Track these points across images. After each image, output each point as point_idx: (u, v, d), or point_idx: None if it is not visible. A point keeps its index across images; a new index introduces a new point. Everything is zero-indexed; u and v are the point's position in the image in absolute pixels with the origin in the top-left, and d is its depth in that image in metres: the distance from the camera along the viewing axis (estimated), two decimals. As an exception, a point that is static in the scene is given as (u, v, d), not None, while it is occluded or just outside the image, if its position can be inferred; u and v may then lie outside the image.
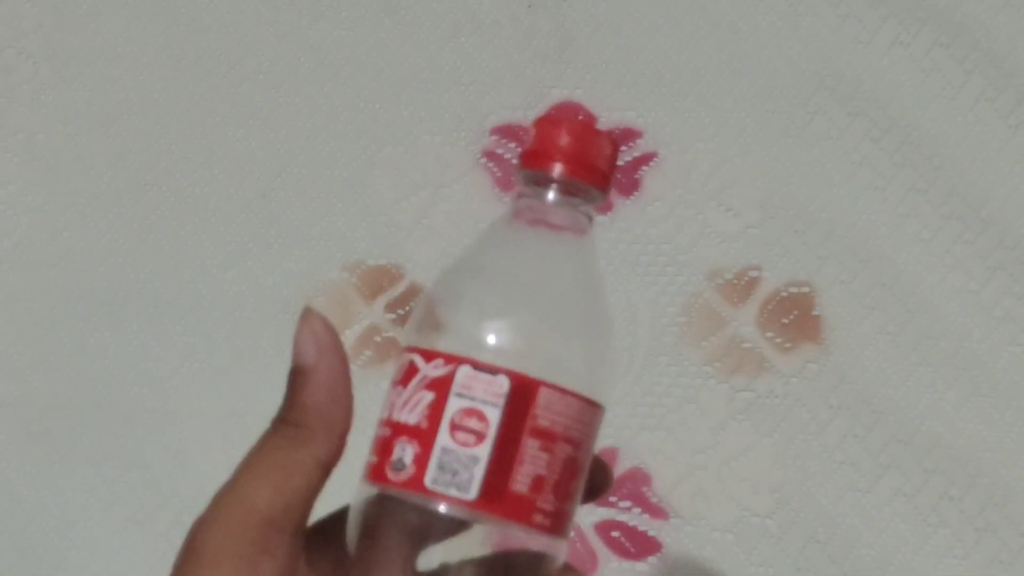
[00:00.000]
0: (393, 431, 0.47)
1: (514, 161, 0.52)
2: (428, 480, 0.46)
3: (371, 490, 0.48)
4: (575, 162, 0.50)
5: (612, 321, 0.51)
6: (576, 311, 0.50)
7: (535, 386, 0.47)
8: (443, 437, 0.47)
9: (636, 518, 0.78)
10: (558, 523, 0.48)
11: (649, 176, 0.84)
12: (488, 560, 0.48)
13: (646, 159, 0.85)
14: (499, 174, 0.83)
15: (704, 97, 0.86)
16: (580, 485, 0.49)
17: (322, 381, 0.47)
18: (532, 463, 0.47)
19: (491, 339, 0.48)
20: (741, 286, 0.82)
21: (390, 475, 0.47)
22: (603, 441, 0.79)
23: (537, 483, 0.47)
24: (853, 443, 0.79)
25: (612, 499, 0.78)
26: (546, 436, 0.47)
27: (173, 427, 0.81)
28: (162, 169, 0.86)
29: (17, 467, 0.80)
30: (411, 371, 0.48)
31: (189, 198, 0.85)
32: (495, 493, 0.46)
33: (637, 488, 0.78)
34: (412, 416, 0.47)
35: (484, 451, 0.46)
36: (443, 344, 0.48)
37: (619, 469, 0.79)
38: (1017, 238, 0.82)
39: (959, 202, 0.83)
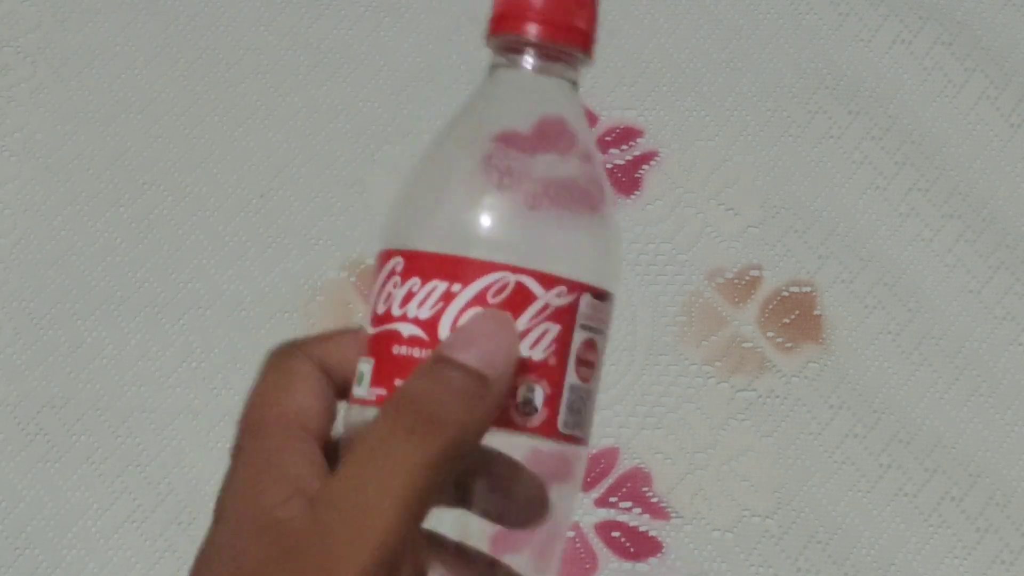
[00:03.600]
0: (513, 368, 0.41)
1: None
2: (561, 423, 0.42)
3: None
4: (552, 22, 0.43)
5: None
6: (608, 208, 0.45)
7: (611, 308, 0.43)
8: (571, 374, 0.42)
9: (636, 518, 0.78)
10: None
11: (649, 175, 0.84)
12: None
13: (646, 158, 0.85)
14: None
15: (705, 96, 0.86)
16: None
17: (494, 404, 0.40)
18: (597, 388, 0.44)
19: (601, 263, 0.43)
20: (742, 285, 0.82)
21: (517, 419, 0.42)
22: (603, 440, 0.79)
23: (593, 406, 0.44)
24: (854, 443, 0.78)
25: (612, 499, 0.78)
26: (601, 355, 0.44)
27: (171, 427, 0.81)
28: (160, 168, 0.86)
29: (14, 466, 0.80)
30: (523, 296, 0.41)
31: (187, 197, 0.85)
32: (590, 426, 0.43)
33: (637, 488, 0.78)
34: (537, 352, 0.41)
35: (595, 384, 0.43)
36: (561, 269, 0.42)
37: (619, 469, 0.79)
38: (1018, 237, 0.82)
39: (960, 201, 0.83)
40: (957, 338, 0.80)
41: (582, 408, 0.42)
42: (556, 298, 0.41)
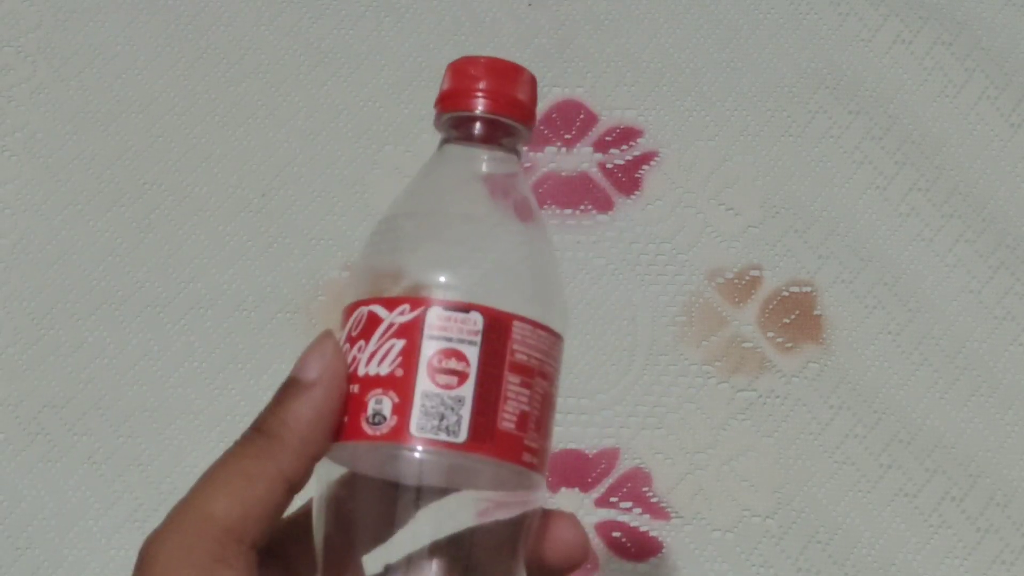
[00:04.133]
0: (363, 386, 0.46)
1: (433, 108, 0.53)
2: (414, 428, 0.45)
3: (339, 470, 0.47)
4: (495, 98, 0.50)
5: (555, 251, 0.51)
6: (525, 244, 0.49)
7: (509, 320, 0.46)
8: (423, 382, 0.45)
9: (636, 518, 0.78)
10: (542, 460, 0.47)
11: (649, 175, 0.84)
12: (462, 534, 0.47)
13: (647, 158, 0.85)
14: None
15: (705, 96, 0.86)
16: (553, 420, 0.48)
17: (314, 400, 0.45)
18: (516, 400, 0.46)
19: (455, 278, 0.46)
20: (742, 286, 0.82)
21: (368, 430, 0.45)
22: (603, 441, 0.79)
23: (523, 420, 0.46)
24: (854, 443, 0.78)
25: (612, 499, 0.78)
26: (525, 371, 0.46)
27: (172, 426, 0.81)
28: (161, 168, 0.86)
29: (15, 466, 0.80)
30: (372, 322, 0.46)
31: (188, 197, 0.85)
32: (484, 433, 0.45)
33: (637, 488, 0.78)
34: (384, 367, 0.46)
35: (468, 391, 0.45)
36: (403, 290, 0.46)
37: (619, 469, 0.79)
38: (1019, 237, 0.82)
39: (960, 201, 0.83)
40: (957, 338, 0.80)
41: (447, 413, 0.45)
42: (399, 316, 0.46)
